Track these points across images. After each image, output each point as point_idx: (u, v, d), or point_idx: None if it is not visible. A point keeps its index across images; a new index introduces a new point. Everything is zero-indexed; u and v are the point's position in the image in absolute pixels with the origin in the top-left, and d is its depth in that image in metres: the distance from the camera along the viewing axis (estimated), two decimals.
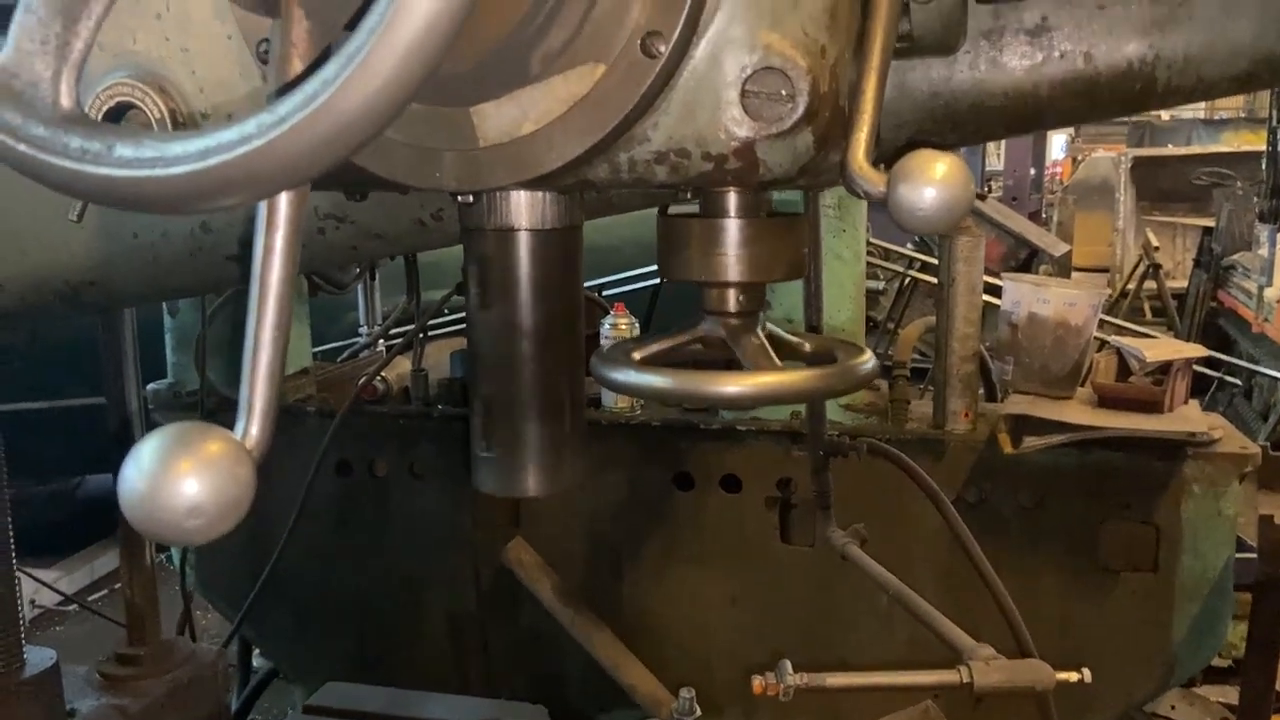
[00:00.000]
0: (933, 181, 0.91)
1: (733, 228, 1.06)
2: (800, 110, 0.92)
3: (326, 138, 0.58)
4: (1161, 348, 3.00)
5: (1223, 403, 7.00)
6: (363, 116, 0.58)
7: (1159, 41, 1.30)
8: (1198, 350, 3.01)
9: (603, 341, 3.32)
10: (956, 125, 1.41)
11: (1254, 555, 2.92)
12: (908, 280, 5.73)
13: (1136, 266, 12.36)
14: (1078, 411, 2.83)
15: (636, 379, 1.07)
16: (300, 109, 0.57)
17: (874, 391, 3.22)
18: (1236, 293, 9.94)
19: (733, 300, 1.10)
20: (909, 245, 5.95)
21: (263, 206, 0.71)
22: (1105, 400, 2.88)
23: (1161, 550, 2.84)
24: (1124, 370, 3.00)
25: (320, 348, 4.69)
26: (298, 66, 0.74)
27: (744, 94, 0.93)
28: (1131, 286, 12.37)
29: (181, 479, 0.63)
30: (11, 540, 2.23)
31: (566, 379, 1.29)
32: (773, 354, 1.10)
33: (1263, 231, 9.19)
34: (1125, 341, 3.08)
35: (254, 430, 0.72)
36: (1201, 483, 2.77)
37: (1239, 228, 10.81)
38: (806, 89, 0.92)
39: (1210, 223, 11.67)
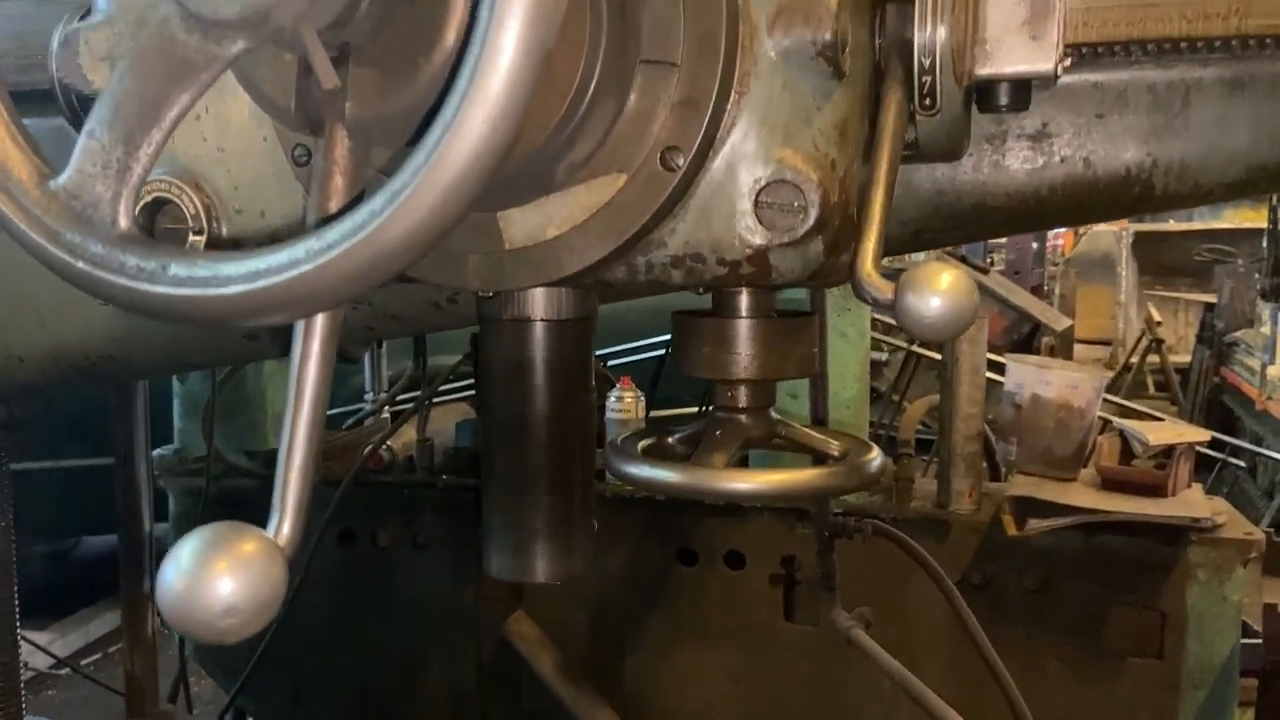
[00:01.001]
0: (938, 292, 0.95)
1: (744, 328, 1.09)
2: (811, 220, 0.97)
3: (371, 265, 0.61)
4: (1164, 431, 3.02)
5: (1227, 482, 6.99)
6: (406, 248, 0.61)
7: (1156, 149, 1.34)
8: (1200, 434, 3.03)
9: (609, 416, 3.35)
10: (960, 223, 1.46)
11: (1259, 641, 2.90)
12: (911, 352, 5.78)
13: (1139, 340, 12.41)
14: (1082, 494, 2.84)
15: (650, 474, 1.10)
16: (347, 238, 0.61)
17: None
18: (1239, 369, 9.97)
19: (744, 397, 1.13)
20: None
21: None
22: (1109, 483, 2.90)
23: (1167, 636, 2.82)
24: (1127, 453, 3.02)
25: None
26: (339, 184, 0.78)
27: (758, 204, 0.98)
28: (1135, 360, 12.41)
29: (217, 579, 0.65)
30: (17, 608, 2.23)
31: (578, 465, 1.32)
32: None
33: (1265, 309, 9.26)
34: (1128, 424, 3.10)
35: (286, 529, 0.74)
36: (1206, 568, 2.77)
37: (1241, 304, 10.88)
38: (818, 201, 0.96)
39: (1212, 298, 11.75)
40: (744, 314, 1.10)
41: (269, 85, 0.77)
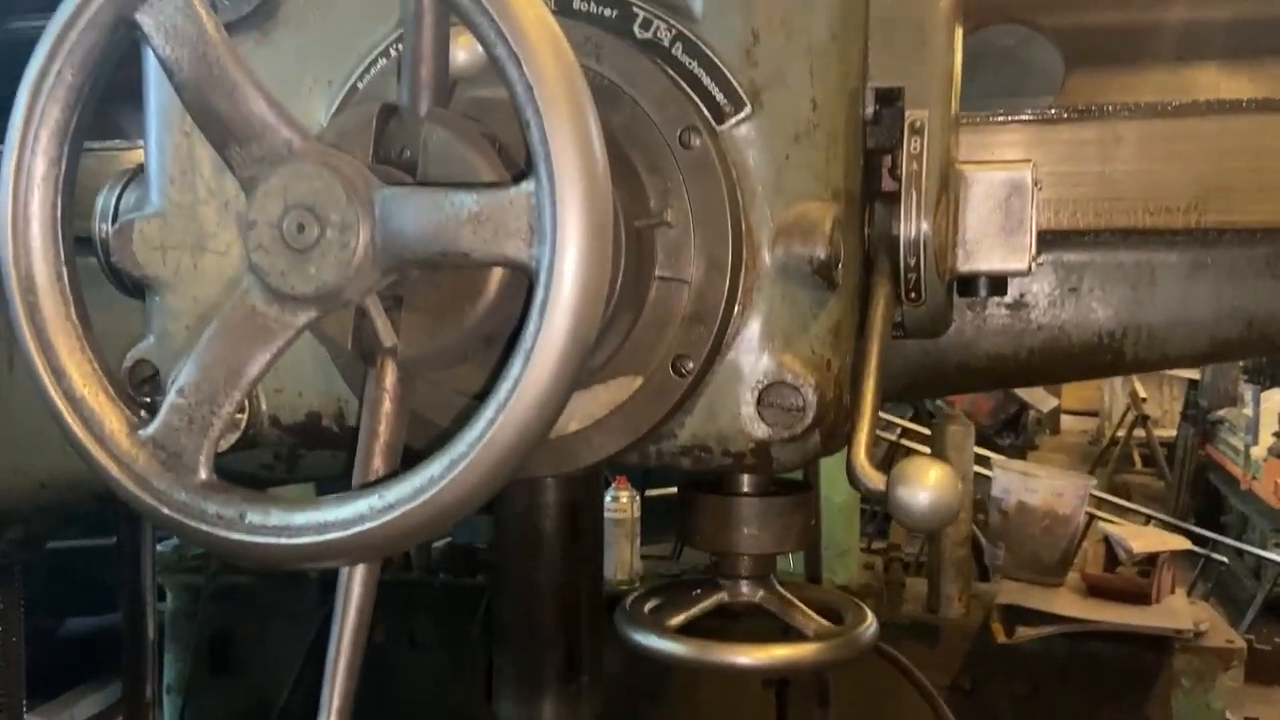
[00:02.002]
0: (926, 487, 1.04)
1: (746, 506, 1.18)
2: (809, 419, 1.06)
3: (428, 524, 0.70)
4: (1148, 538, 3.11)
5: (1216, 566, 7.05)
6: (460, 509, 0.70)
7: (1126, 320, 1.45)
8: (1181, 542, 3.12)
9: (606, 516, 3.42)
10: (944, 381, 1.56)
11: None
12: (899, 448, 5.87)
13: (1125, 414, 12.55)
14: (1068, 601, 2.92)
15: (659, 645, 1.17)
16: (407, 500, 0.70)
17: (869, 571, 3.30)
18: (1224, 448, 10.09)
19: (747, 568, 1.21)
20: (907, 416, 6.12)
21: None
22: (1094, 590, 2.97)
23: None
24: (1112, 557, 3.10)
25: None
26: (389, 408, 0.87)
27: (760, 403, 1.07)
28: (1121, 434, 12.53)
29: None
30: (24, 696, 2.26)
31: (586, 614, 1.39)
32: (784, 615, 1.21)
33: (1247, 390, 9.43)
34: (1113, 530, 3.18)
35: None
36: (1190, 676, 2.84)
37: (1224, 383, 11.03)
38: (815, 401, 1.06)
39: (1196, 374, 11.92)
40: (746, 491, 1.19)
41: (329, 326, 0.86)
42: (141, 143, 1.32)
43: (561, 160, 0.67)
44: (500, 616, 1.41)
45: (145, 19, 0.75)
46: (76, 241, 1.34)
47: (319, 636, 3.42)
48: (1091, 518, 4.22)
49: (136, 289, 1.32)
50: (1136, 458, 12.78)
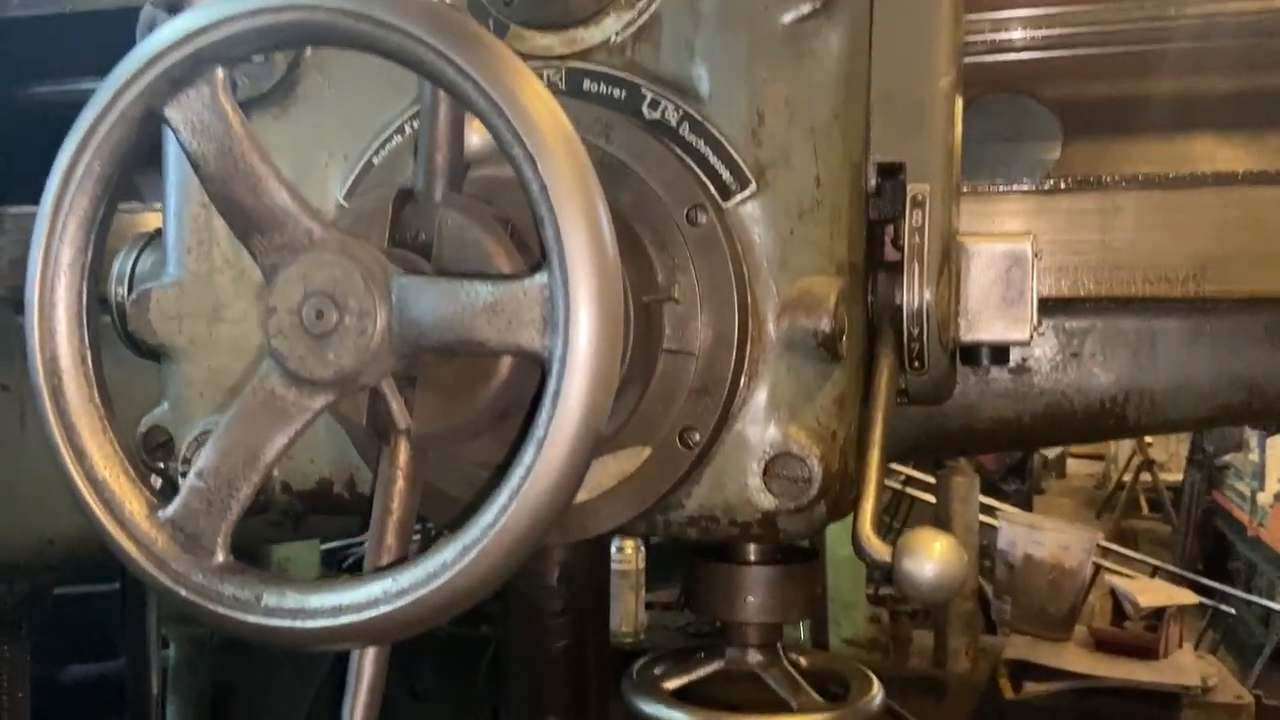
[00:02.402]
0: (932, 558, 1.05)
1: (752, 575, 1.19)
2: (815, 490, 1.07)
3: (441, 608, 0.71)
4: (1155, 591, 3.10)
5: (1224, 616, 6.99)
6: (473, 594, 0.71)
7: (1128, 385, 1.47)
8: (1189, 596, 3.11)
9: (611, 568, 3.41)
10: (948, 443, 1.57)
11: None
12: (904, 497, 5.86)
13: (1131, 459, 12.49)
14: (1076, 656, 2.90)
15: (668, 715, 1.18)
16: (421, 585, 0.71)
17: (875, 624, 3.29)
18: (1231, 494, 10.04)
19: (754, 636, 1.21)
20: (910, 463, 6.12)
21: None
22: (1102, 644, 2.96)
23: None
24: (1119, 611, 3.08)
25: (328, 545, 4.74)
26: (401, 486, 0.88)
27: (766, 474, 1.08)
28: (1127, 479, 12.47)
29: None
30: None
31: (593, 686, 1.40)
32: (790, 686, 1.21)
33: (1252, 435, 9.39)
34: (1120, 583, 3.17)
35: None
36: None
37: (1230, 428, 10.99)
38: (821, 472, 1.07)
39: None
40: (752, 560, 1.20)
41: (344, 406, 0.88)
42: (158, 205, 1.35)
43: (574, 256, 0.69)
44: (506, 673, 1.42)
45: (173, 114, 0.78)
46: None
47: (321, 691, 3.40)
48: (1098, 568, 4.20)
49: (151, 352, 1.34)
50: (1143, 503, 12.70)
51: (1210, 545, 10.50)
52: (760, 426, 1.09)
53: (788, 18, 1.10)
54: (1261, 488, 8.81)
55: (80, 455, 0.78)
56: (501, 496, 0.71)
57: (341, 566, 4.32)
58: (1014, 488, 10.39)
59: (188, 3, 1.24)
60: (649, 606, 3.82)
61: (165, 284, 1.28)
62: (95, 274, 0.81)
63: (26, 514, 1.94)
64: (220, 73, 0.77)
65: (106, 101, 0.78)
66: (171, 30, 0.76)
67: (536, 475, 0.71)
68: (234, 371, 1.27)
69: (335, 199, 1.22)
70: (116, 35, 1.72)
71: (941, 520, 3.15)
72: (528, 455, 0.71)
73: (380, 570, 0.75)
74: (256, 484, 0.78)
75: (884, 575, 1.10)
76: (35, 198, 1.83)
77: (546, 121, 0.70)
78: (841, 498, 1.12)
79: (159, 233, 1.37)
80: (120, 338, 1.46)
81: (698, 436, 1.07)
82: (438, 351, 0.77)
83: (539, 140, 0.70)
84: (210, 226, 1.25)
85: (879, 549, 1.08)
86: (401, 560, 0.77)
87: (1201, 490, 11.00)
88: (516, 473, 0.71)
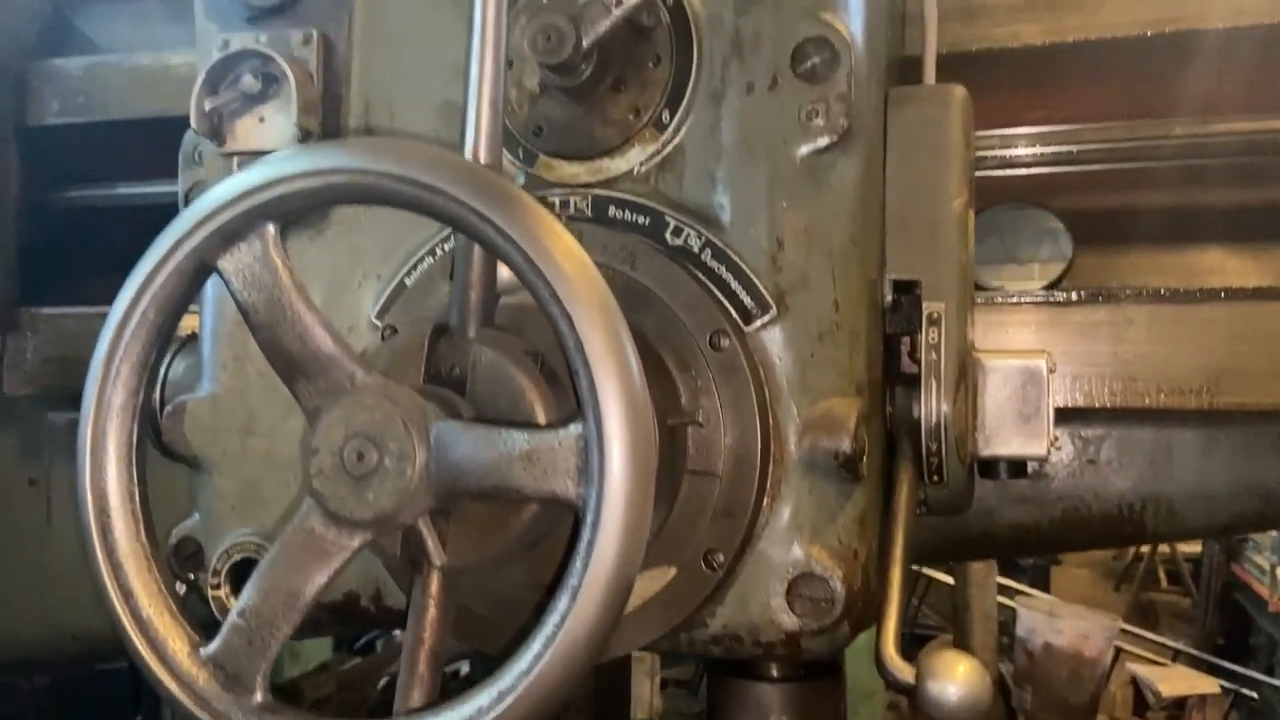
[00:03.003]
0: (955, 679, 1.05)
1: (777, 694, 1.20)
2: (839, 610, 1.08)
3: None
4: (1176, 680, 3.06)
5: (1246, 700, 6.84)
6: None
7: (1145, 493, 1.48)
8: (1210, 684, 3.07)
9: None
10: (969, 547, 1.58)
11: None
12: (921, 576, 5.82)
13: None
14: None
15: None
16: None
17: (894, 712, 3.24)
18: (1250, 568, 9.87)
19: None
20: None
21: None
22: None
23: None
24: (1140, 699, 3.04)
25: None
26: (434, 615, 0.90)
27: (789, 594, 1.10)
28: (1145, 550, 12.29)
29: None
30: None
31: None
32: None
33: None
34: (1141, 671, 3.13)
35: None
36: None
37: None
38: (844, 593, 1.08)
39: None
40: (775, 677, 1.20)
41: (380, 539, 0.90)
42: (195, 308, 1.39)
43: (608, 411, 0.72)
44: None
45: (226, 266, 0.82)
46: None
47: None
48: (1119, 651, 4.15)
49: (181, 458, 1.37)
50: (1162, 575, 12.51)
51: (1230, 620, 10.29)
52: (783, 547, 1.10)
53: (805, 150, 1.14)
54: None
55: (127, 594, 0.81)
56: (536, 644, 0.73)
57: (353, 649, 4.30)
58: (1031, 561, 10.28)
59: (228, 133, 1.30)
60: (664, 685, 3.78)
61: (200, 397, 1.32)
62: (145, 414, 0.85)
63: (50, 608, 1.96)
64: (271, 228, 0.81)
65: (163, 254, 0.82)
66: (227, 188, 0.81)
67: (571, 624, 0.73)
68: (265, 485, 1.30)
69: (368, 317, 1.26)
70: (151, 142, 1.79)
71: (959, 605, 3.13)
72: (562, 603, 0.73)
73: (414, 712, 0.77)
74: (296, 622, 0.80)
75: (906, 692, 1.10)
76: (66, 299, 1.89)
77: (581, 281, 0.74)
78: (864, 614, 1.13)
79: (193, 336, 1.41)
80: (152, 441, 1.49)
81: (722, 558, 1.08)
82: (475, 497, 0.80)
83: (575, 299, 0.73)
84: (245, 343, 1.28)
85: (903, 670, 1.09)
86: (436, 703, 0.78)
87: (1221, 563, 10.82)
88: (551, 619, 0.73)
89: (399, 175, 0.76)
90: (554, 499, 0.76)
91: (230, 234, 0.81)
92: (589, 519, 0.73)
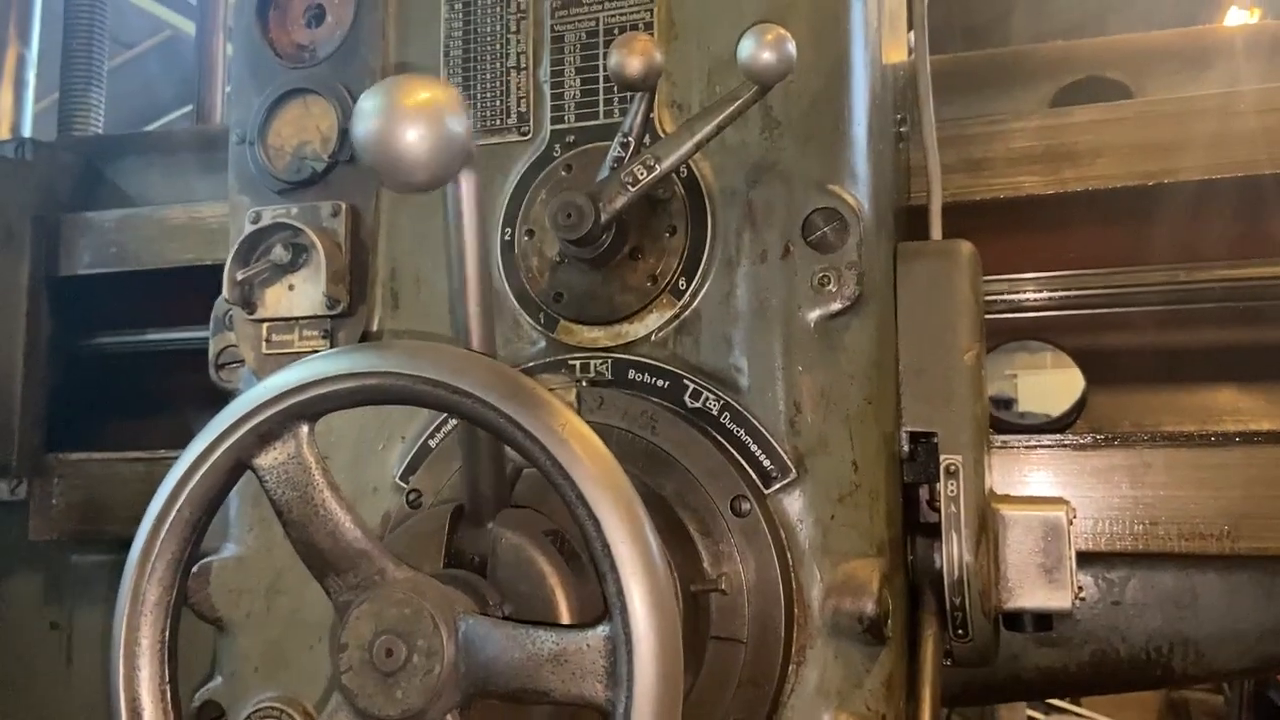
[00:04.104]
0: None
1: None
2: None
3: None
4: None
5: None
6: None
7: (1172, 635, 1.46)
8: None
9: None
10: (997, 691, 1.56)
11: None
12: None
13: None
14: None
15: None
16: None
17: None
18: None
19: None
20: None
21: None
22: None
23: None
24: None
25: None
26: None
27: None
28: None
29: None
30: None
31: None
32: None
33: None
34: None
35: None
36: None
37: None
38: None
39: None
40: None
41: None
42: None
43: (636, 614, 0.73)
44: None
45: (261, 463, 0.84)
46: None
47: None
48: None
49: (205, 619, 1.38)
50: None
51: (1264, 717, 9.98)
52: (810, 717, 1.10)
53: (818, 314, 1.17)
54: None
55: None
56: None
57: None
58: None
59: (259, 301, 1.34)
60: None
61: (225, 558, 1.33)
62: (179, 609, 0.86)
63: None
64: (305, 428, 0.84)
65: (200, 453, 0.84)
66: (265, 389, 0.83)
67: None
68: (289, 646, 1.30)
69: (393, 478, 1.28)
70: (181, 290, 1.84)
71: (987, 715, 3.05)
72: None
73: None
74: None
75: None
76: (90, 444, 1.91)
77: (607, 483, 0.76)
78: None
79: None
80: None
81: None
82: (501, 697, 0.80)
83: (601, 503, 0.75)
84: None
85: None
86: None
87: None
88: None
89: (429, 379, 0.79)
90: (583, 702, 0.76)
91: (266, 434, 0.83)
92: None
